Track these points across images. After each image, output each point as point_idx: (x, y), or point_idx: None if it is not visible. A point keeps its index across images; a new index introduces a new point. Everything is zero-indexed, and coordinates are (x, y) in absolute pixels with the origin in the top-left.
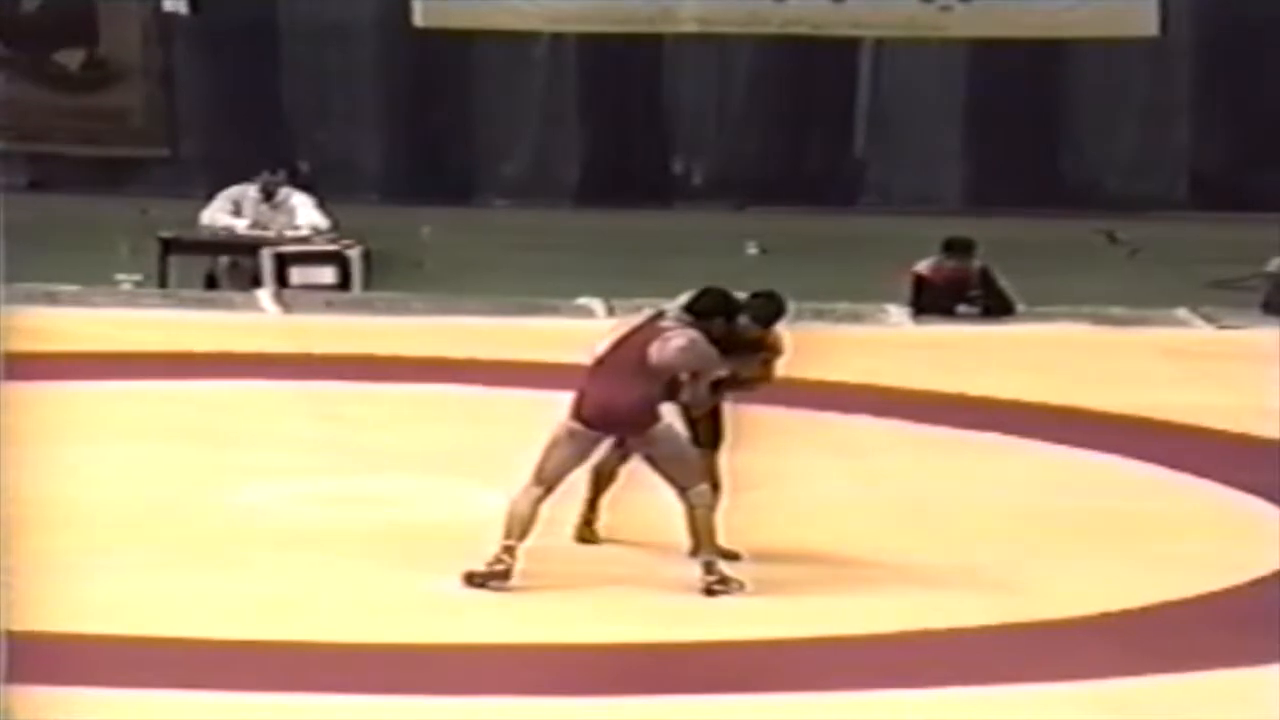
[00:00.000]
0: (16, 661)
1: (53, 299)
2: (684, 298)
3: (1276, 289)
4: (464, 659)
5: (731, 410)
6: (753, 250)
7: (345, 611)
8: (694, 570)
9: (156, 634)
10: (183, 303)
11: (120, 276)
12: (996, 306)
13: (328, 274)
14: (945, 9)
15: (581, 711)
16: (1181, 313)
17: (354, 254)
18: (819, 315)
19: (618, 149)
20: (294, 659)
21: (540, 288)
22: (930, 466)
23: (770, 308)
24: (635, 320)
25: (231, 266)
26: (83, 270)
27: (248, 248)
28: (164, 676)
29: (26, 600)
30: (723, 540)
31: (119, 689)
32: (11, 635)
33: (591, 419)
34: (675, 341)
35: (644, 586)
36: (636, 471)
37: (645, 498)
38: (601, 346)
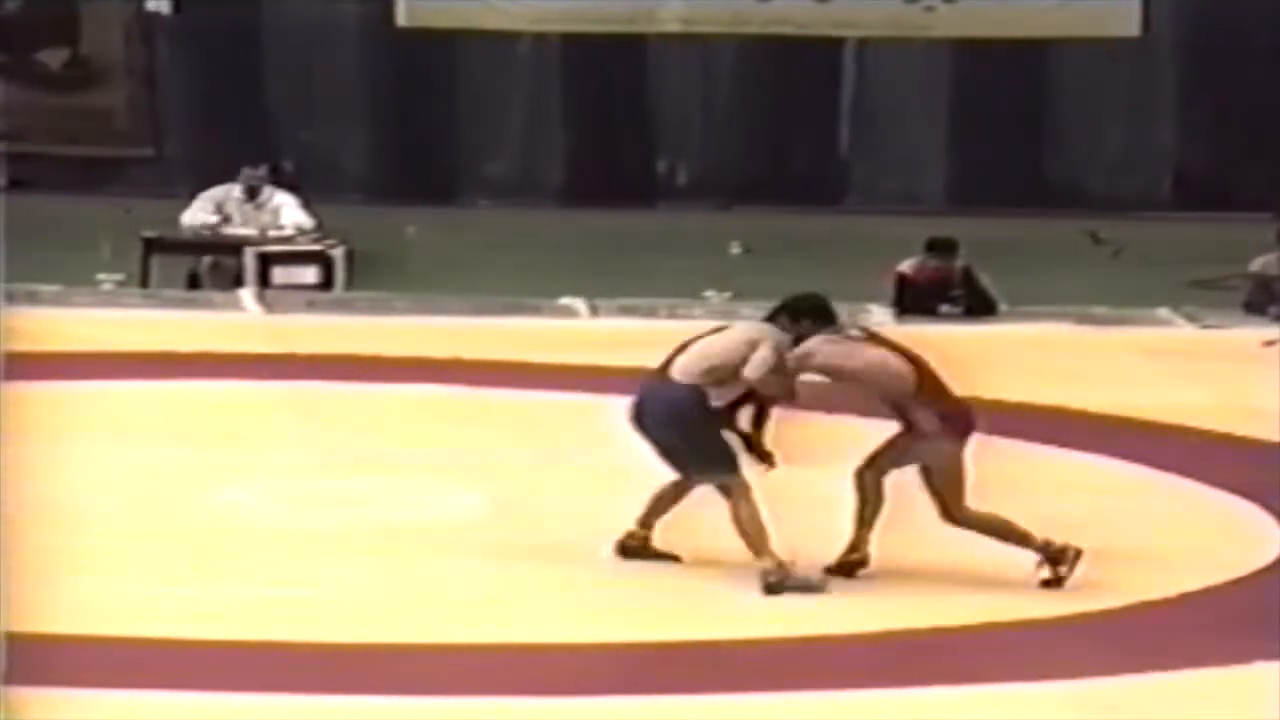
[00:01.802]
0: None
1: (34, 299)
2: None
3: (1258, 289)
4: (449, 659)
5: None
6: (737, 250)
7: (330, 611)
8: (676, 570)
9: (140, 635)
10: (165, 302)
11: (102, 276)
12: (979, 306)
13: (310, 274)
14: (929, 9)
15: (565, 712)
16: (1164, 312)
17: (337, 254)
18: None
19: (602, 149)
20: (280, 659)
21: (524, 288)
22: (913, 466)
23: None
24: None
25: (214, 266)
26: (65, 270)
27: (230, 247)
28: (150, 677)
29: (17, 601)
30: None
31: (104, 690)
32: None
33: None
34: None
35: (631, 587)
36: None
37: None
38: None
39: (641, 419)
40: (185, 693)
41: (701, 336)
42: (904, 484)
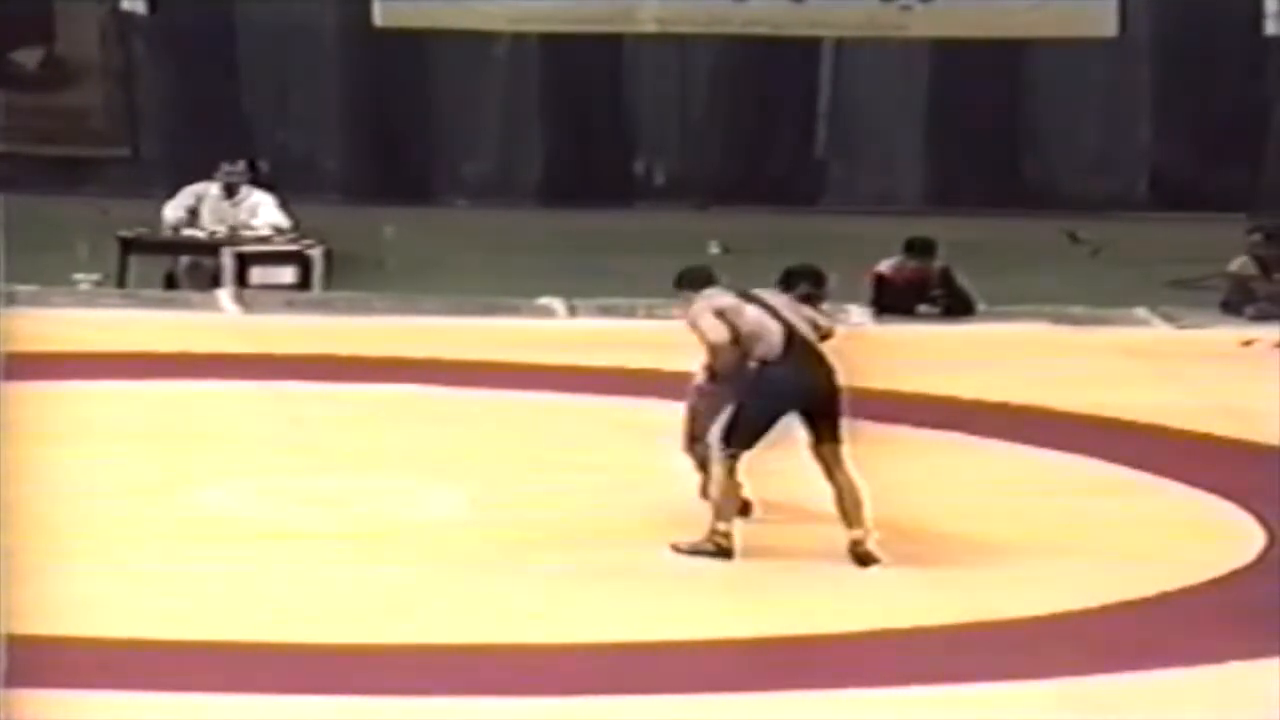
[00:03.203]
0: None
1: (11, 299)
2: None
3: (1235, 289)
4: (427, 659)
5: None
6: (714, 250)
7: (309, 611)
8: (660, 569)
9: (119, 636)
10: (142, 303)
11: (79, 276)
12: (957, 306)
13: (288, 274)
14: (905, 8)
15: (550, 712)
16: (1142, 312)
17: (315, 254)
18: None
19: (579, 149)
20: (265, 660)
21: (502, 287)
22: (892, 466)
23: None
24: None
25: (192, 267)
26: (41, 270)
27: (208, 247)
28: (129, 679)
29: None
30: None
31: (85, 690)
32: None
33: None
34: None
35: (614, 587)
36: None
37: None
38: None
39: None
40: (153, 694)
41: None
42: (867, 487)
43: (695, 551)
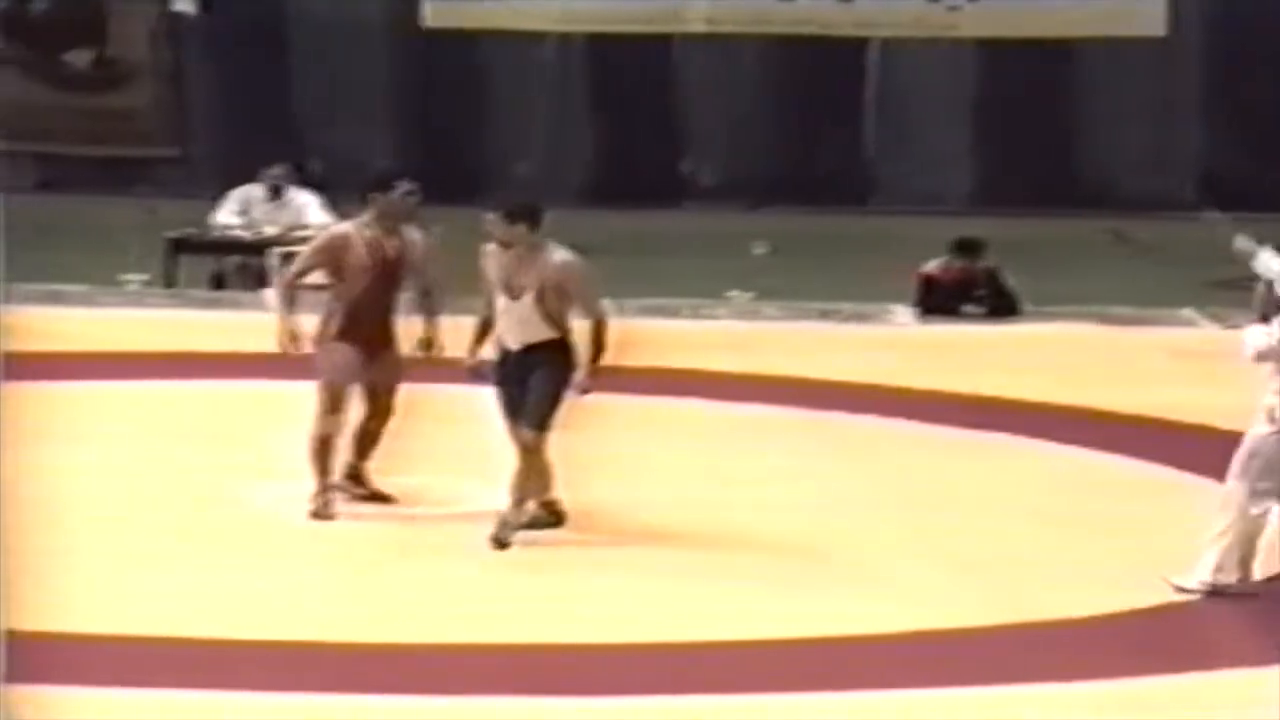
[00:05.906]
0: (15, 661)
1: (59, 299)
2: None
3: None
4: (468, 659)
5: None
6: (761, 250)
7: (355, 610)
8: (679, 562)
9: (163, 634)
10: (190, 303)
11: (127, 276)
12: (1003, 306)
13: None
14: (953, 8)
15: (555, 713)
16: (1188, 312)
17: None
18: (825, 315)
19: (626, 149)
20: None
21: None
22: (937, 467)
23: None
24: None
25: (239, 267)
26: (90, 270)
27: (255, 247)
28: (172, 676)
29: (27, 600)
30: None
31: (120, 688)
32: (11, 635)
33: None
34: None
35: (626, 587)
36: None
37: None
38: None
39: None
40: (190, 692)
41: None
42: (912, 487)
43: (532, 526)
